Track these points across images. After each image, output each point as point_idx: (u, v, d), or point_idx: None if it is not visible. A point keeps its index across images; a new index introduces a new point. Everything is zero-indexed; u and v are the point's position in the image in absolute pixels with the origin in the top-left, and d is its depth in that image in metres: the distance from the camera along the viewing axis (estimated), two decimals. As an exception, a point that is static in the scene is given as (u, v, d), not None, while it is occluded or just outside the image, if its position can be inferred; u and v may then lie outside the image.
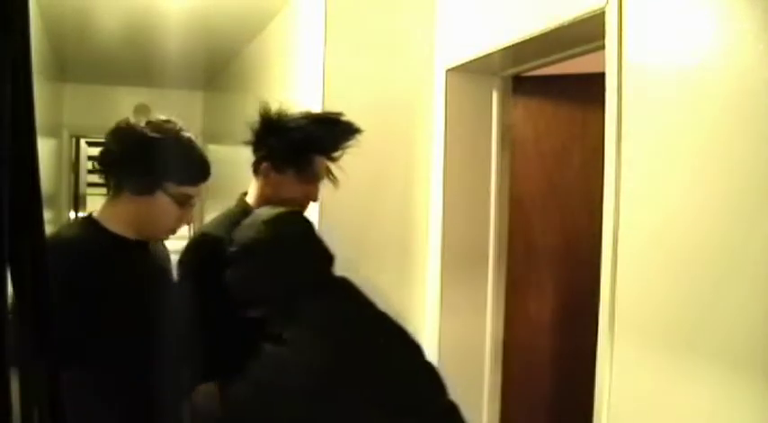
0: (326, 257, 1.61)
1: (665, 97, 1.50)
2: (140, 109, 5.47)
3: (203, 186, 1.59)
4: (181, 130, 1.54)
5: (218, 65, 4.60)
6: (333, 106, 2.52)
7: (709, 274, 1.38)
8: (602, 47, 1.70)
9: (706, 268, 1.39)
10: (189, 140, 1.55)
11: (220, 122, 5.11)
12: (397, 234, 2.62)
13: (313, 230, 1.64)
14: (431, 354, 2.61)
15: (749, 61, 1.30)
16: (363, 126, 2.61)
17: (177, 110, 5.62)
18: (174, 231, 1.59)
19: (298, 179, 1.79)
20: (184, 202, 1.54)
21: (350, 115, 2.56)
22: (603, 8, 1.69)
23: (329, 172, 1.88)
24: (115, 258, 1.50)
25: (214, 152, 4.84)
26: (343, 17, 2.54)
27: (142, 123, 1.51)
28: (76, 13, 3.40)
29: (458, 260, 2.57)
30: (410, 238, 2.63)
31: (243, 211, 1.77)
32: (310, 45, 2.67)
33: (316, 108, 2.56)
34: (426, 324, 2.64)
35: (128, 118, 1.54)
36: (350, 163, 2.59)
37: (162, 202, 1.51)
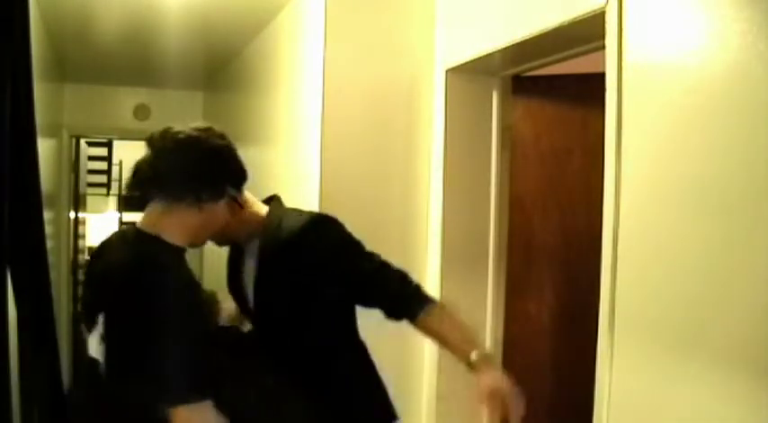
0: None
1: (666, 97, 1.50)
2: (140, 109, 5.47)
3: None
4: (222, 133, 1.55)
5: (217, 65, 4.60)
6: (333, 106, 2.54)
7: (710, 274, 1.38)
8: (602, 47, 1.70)
9: (706, 268, 1.39)
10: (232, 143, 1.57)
11: (220, 122, 5.10)
12: (397, 234, 2.62)
13: None
14: (431, 353, 2.62)
15: (749, 61, 1.30)
16: (364, 126, 2.63)
17: (177, 110, 5.61)
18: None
19: None
20: (234, 207, 1.55)
21: (350, 115, 2.58)
22: (603, 8, 1.69)
23: None
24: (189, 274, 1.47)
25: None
26: (344, 17, 2.54)
27: (188, 131, 1.47)
28: (76, 14, 3.39)
29: (458, 260, 2.57)
30: (410, 238, 2.63)
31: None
32: (310, 45, 2.67)
33: (316, 108, 2.57)
34: (426, 324, 2.63)
35: (171, 127, 1.49)
36: (350, 162, 2.60)
37: (223, 208, 1.51)
